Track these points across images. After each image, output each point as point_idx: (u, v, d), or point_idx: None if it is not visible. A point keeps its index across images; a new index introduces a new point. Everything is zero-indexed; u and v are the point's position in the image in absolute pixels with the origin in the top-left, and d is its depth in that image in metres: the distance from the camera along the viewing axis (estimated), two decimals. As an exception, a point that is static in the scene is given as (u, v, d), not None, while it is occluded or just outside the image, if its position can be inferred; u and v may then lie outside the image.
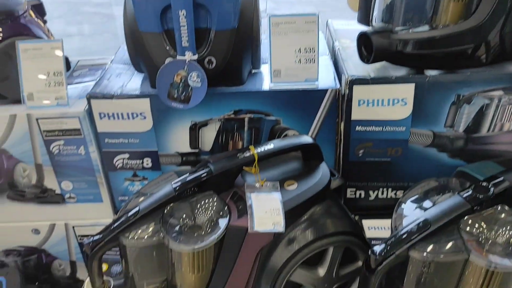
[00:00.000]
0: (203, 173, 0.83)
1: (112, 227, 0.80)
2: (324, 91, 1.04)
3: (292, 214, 0.83)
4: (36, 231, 1.24)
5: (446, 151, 1.08)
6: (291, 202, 0.84)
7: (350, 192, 1.17)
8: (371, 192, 1.16)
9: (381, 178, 1.14)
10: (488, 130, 1.05)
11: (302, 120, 1.08)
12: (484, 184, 0.78)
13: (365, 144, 1.09)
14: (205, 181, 0.82)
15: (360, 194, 1.17)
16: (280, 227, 0.79)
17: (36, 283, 1.22)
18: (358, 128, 1.07)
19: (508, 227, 0.74)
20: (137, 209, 0.80)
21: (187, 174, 0.85)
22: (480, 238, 0.73)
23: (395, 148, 1.09)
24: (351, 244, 0.87)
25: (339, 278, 0.89)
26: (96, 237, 0.80)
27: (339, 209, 0.91)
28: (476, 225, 0.74)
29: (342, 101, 1.06)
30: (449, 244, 0.73)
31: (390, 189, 1.15)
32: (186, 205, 0.82)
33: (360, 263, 0.91)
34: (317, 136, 1.10)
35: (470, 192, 0.77)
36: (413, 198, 0.85)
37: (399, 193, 1.15)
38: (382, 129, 1.07)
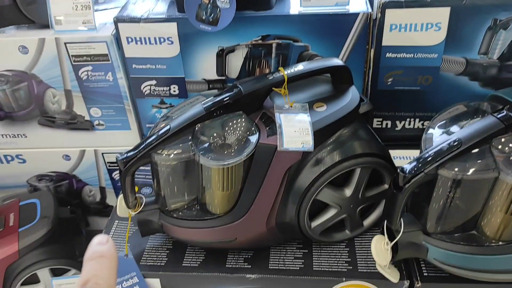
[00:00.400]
0: (233, 93, 0.83)
1: (144, 144, 0.82)
2: (355, 15, 1.02)
3: (321, 135, 0.83)
4: (67, 157, 1.28)
5: (478, 79, 1.05)
6: (320, 123, 0.83)
7: (376, 122, 1.16)
8: (397, 123, 1.15)
9: (410, 107, 1.13)
10: (524, 57, 1.01)
11: (331, 46, 1.06)
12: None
13: (395, 72, 1.07)
14: (235, 102, 0.83)
15: (387, 124, 1.16)
16: (309, 146, 0.79)
17: (68, 207, 1.27)
18: (388, 54, 1.05)
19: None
20: (168, 127, 0.82)
21: (216, 94, 0.85)
22: (512, 157, 0.73)
23: (426, 76, 1.07)
24: (378, 166, 0.87)
25: (365, 199, 0.91)
26: (130, 154, 0.82)
27: (367, 132, 0.91)
28: (510, 145, 0.73)
29: (373, 26, 1.03)
30: (480, 162, 0.73)
31: (417, 120, 1.14)
32: (216, 124, 0.83)
33: (386, 186, 0.92)
34: (345, 63, 1.08)
35: (504, 113, 0.75)
36: (441, 123, 0.84)
37: (427, 124, 1.14)
38: (414, 55, 1.04)
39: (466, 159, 0.74)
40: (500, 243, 0.77)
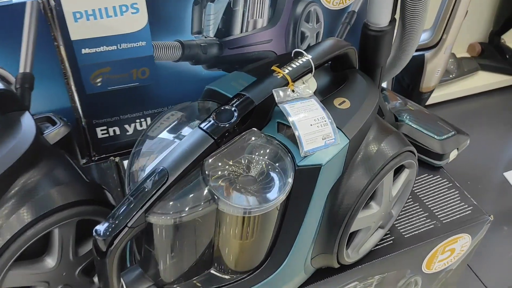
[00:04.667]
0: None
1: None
2: (21, 5, 0.74)
3: None
4: None
5: (200, 62, 0.90)
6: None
7: (101, 132, 0.93)
8: (127, 127, 0.94)
9: (135, 107, 0.92)
10: (241, 30, 0.89)
11: (5, 50, 0.77)
12: (227, 107, 0.61)
13: (102, 70, 0.85)
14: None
15: (114, 131, 0.94)
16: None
17: None
18: (84, 50, 0.81)
19: (260, 153, 0.61)
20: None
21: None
22: (230, 180, 0.58)
23: (141, 69, 0.87)
24: (85, 215, 0.66)
25: (82, 258, 0.69)
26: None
27: (64, 171, 0.67)
28: (220, 164, 0.59)
29: (53, 19, 0.77)
30: (194, 195, 0.57)
31: (149, 118, 0.95)
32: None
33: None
34: (34, 69, 0.81)
35: (211, 123, 0.60)
36: (150, 145, 0.65)
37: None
38: (117, 47, 0.82)
39: (177, 195, 0.57)
40: (243, 276, 0.65)
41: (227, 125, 0.60)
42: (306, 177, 0.62)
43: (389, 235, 0.83)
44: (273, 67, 0.66)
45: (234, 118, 0.60)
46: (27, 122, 0.65)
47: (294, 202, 0.62)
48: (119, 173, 0.92)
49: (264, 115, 0.65)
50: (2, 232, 0.59)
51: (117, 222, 0.55)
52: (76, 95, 0.87)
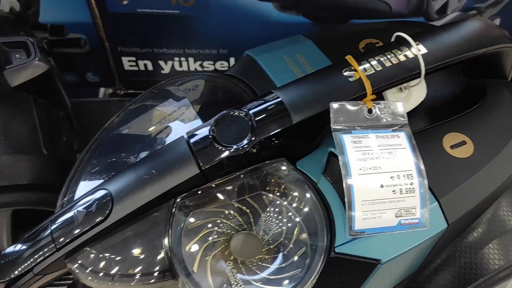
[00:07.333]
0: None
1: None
2: None
3: None
4: None
5: (273, -1, 0.61)
6: None
7: (129, 63, 0.72)
8: (162, 63, 0.71)
9: (173, 41, 0.68)
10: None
11: None
12: (241, 115, 0.34)
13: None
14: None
15: (146, 66, 0.72)
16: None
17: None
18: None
19: (275, 206, 0.35)
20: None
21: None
22: (210, 244, 0.33)
23: (186, -8, 0.61)
24: (26, 205, 0.46)
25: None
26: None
27: (16, 132, 0.47)
28: (201, 213, 0.34)
29: None
30: (143, 255, 0.34)
31: (192, 59, 0.71)
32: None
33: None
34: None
35: (205, 136, 0.34)
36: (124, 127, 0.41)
37: (208, 65, 0.71)
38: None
39: (118, 244, 0.34)
40: None
41: (227, 151, 0.34)
42: (347, 273, 0.35)
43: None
44: (348, 57, 0.36)
45: (245, 142, 0.34)
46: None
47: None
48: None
49: (308, 132, 0.37)
50: None
51: (17, 261, 0.34)
52: (97, 10, 0.64)
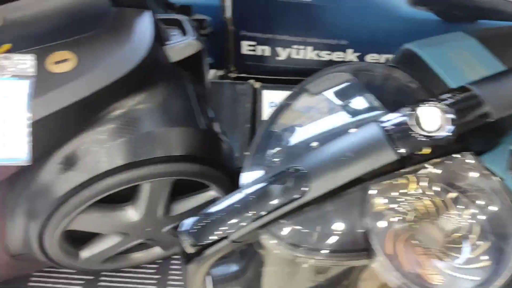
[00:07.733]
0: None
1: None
2: None
3: (69, 115, 0.42)
4: None
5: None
6: (64, 96, 0.41)
7: (248, 47, 0.73)
8: (280, 50, 0.73)
9: (297, 28, 0.69)
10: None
11: None
12: (438, 107, 0.35)
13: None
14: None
15: (263, 51, 0.73)
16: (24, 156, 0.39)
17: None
18: None
19: (465, 197, 0.35)
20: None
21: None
22: (405, 228, 0.35)
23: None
24: (187, 175, 0.48)
25: (174, 218, 0.53)
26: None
27: (181, 108, 0.49)
28: (394, 196, 0.35)
29: None
30: (340, 233, 0.35)
31: (311, 48, 0.72)
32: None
33: (213, 194, 0.53)
34: None
35: (402, 127, 0.35)
36: (312, 101, 0.43)
37: (325, 54, 0.72)
38: None
39: (311, 217, 0.36)
40: None
41: (429, 141, 0.34)
42: None
43: None
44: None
45: (447, 134, 0.34)
46: (144, 25, 0.46)
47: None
48: (254, 103, 0.73)
49: (489, 131, 0.38)
50: (85, 165, 0.44)
51: (213, 226, 0.36)
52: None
